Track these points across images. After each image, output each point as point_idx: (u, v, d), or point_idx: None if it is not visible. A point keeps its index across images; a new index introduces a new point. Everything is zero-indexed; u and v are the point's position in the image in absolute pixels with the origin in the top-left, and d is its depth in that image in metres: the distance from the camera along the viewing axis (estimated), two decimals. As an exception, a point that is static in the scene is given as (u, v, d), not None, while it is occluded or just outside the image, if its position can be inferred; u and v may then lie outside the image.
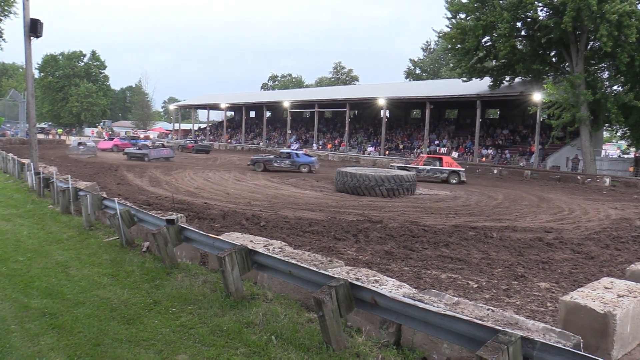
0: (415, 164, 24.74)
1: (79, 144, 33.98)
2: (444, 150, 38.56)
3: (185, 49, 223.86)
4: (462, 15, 31.52)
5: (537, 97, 29.23)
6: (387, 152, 40.82)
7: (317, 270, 4.63)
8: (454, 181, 23.04)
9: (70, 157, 31.10)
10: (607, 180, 25.73)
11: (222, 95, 67.34)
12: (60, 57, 77.39)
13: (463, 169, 23.90)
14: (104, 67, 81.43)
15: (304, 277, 4.69)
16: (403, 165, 25.16)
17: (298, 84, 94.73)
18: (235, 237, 6.65)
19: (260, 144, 52.94)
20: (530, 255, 8.69)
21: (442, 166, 23.88)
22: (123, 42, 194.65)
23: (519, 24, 30.16)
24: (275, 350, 4.12)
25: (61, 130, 68.38)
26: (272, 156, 28.43)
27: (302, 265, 4.83)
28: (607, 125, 32.05)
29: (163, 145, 35.60)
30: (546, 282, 7.14)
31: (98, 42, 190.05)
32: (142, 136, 56.89)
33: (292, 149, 31.75)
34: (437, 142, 40.86)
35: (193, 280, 5.94)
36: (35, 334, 4.47)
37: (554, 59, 31.55)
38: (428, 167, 23.87)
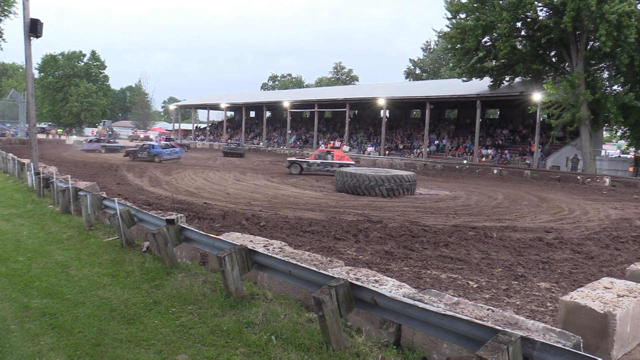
0: (309, 158, 25.68)
1: (90, 141, 35.73)
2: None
3: (185, 49, 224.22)
4: (462, 15, 31.50)
5: (537, 97, 29.21)
6: (387, 152, 40.81)
7: (317, 270, 4.63)
8: None
9: (68, 157, 31.15)
10: (607, 180, 25.72)
11: (222, 95, 67.32)
12: (60, 57, 77.32)
13: (353, 162, 24.23)
14: (104, 67, 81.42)
15: (304, 277, 4.69)
16: (294, 159, 25.73)
17: (298, 84, 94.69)
18: (235, 237, 6.65)
19: (260, 144, 52.95)
20: (530, 255, 8.69)
21: (332, 160, 24.37)
22: (123, 42, 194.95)
23: (518, 24, 30.14)
24: (275, 350, 4.12)
25: (61, 130, 68.40)
26: (138, 148, 32.22)
27: (302, 265, 4.83)
28: (607, 125, 32.05)
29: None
30: (546, 282, 7.14)
31: (98, 42, 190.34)
32: (141, 136, 56.97)
33: (155, 142, 35.79)
34: (437, 142, 40.86)
35: (193, 280, 5.94)
36: (35, 334, 4.46)
37: (554, 59, 31.54)
38: (319, 161, 24.41)
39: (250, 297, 5.33)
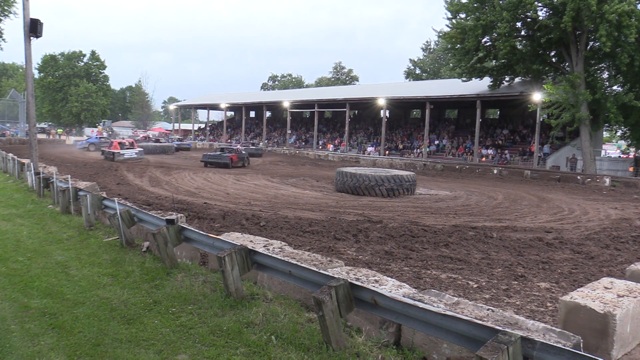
0: (112, 148, 31.89)
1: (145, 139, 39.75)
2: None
3: (185, 49, 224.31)
4: (462, 15, 31.50)
5: (537, 97, 29.21)
6: (387, 152, 40.81)
7: (317, 270, 4.62)
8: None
9: (68, 157, 31.21)
10: (607, 180, 25.72)
11: (222, 95, 67.32)
12: (60, 57, 77.15)
13: (120, 152, 30.21)
14: (104, 67, 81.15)
15: (304, 277, 4.69)
16: (107, 149, 31.94)
17: (298, 84, 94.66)
18: (235, 237, 6.65)
19: (260, 144, 52.95)
20: (530, 255, 8.69)
21: (111, 149, 31.00)
22: (123, 42, 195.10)
23: (518, 24, 30.13)
24: (275, 350, 4.12)
25: (61, 130, 68.39)
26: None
27: (302, 265, 4.83)
28: (607, 125, 32.05)
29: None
30: (546, 282, 7.14)
31: (98, 42, 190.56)
32: (141, 136, 57.01)
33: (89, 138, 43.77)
34: (437, 142, 40.86)
35: (193, 280, 5.94)
36: (35, 334, 4.46)
37: (554, 59, 31.54)
38: (123, 151, 30.85)
39: (250, 297, 5.33)
